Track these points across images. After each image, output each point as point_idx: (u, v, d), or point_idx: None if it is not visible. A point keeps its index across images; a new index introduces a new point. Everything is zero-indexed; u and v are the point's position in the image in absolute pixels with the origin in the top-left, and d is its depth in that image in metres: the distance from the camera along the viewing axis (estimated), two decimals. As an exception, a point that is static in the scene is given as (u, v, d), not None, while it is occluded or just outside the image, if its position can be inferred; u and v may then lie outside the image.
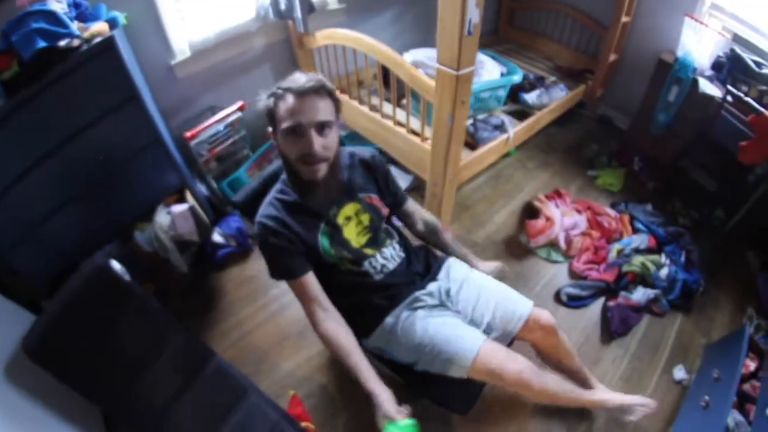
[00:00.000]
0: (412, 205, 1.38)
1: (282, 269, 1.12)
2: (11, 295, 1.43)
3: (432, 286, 1.29)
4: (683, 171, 2.60)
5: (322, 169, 1.04)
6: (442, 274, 1.34)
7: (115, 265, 1.26)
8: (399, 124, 2.00)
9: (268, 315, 1.81)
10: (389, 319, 1.20)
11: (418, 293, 1.25)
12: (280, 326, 1.77)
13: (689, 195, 2.50)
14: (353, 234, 1.20)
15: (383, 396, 1.03)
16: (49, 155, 1.41)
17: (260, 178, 1.29)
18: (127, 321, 1.24)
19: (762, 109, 2.00)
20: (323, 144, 1.01)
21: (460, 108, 1.54)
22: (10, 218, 1.42)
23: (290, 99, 0.98)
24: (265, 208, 1.13)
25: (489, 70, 2.19)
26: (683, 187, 2.55)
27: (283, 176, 1.17)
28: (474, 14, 1.29)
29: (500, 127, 2.23)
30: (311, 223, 1.13)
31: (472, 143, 2.17)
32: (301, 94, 0.98)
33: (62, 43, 1.31)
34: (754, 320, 1.85)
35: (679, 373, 1.69)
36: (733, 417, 1.37)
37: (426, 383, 1.21)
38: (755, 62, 2.14)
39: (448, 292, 1.29)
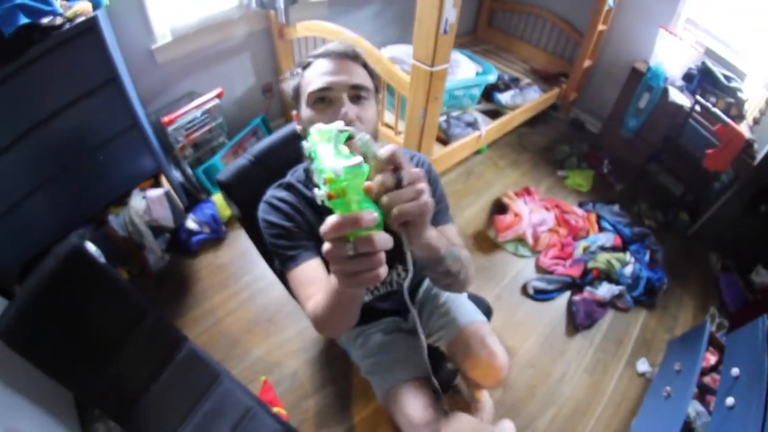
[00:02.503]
0: (451, 232, 1.01)
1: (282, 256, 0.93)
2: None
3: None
4: (651, 175, 2.77)
5: (356, 148, 0.92)
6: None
7: (90, 246, 1.31)
8: (387, 125, 2.11)
9: (240, 302, 1.87)
10: (357, 329, 1.21)
11: (395, 319, 1.22)
12: (251, 313, 1.83)
13: (656, 198, 2.67)
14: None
15: None
16: (23, 136, 1.41)
17: (249, 154, 1.15)
18: (101, 303, 1.27)
19: (728, 120, 2.19)
20: (358, 113, 0.83)
21: (433, 103, 1.65)
22: None
23: (321, 62, 0.86)
24: (276, 190, 0.99)
25: (464, 69, 2.32)
26: (650, 190, 2.73)
27: (303, 166, 1.02)
28: (451, 14, 1.40)
29: (473, 125, 2.36)
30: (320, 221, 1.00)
31: (444, 139, 2.29)
32: (335, 55, 0.85)
33: (45, 20, 1.32)
34: (716, 318, 2.03)
35: (643, 366, 1.82)
36: (694, 407, 1.49)
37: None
38: (725, 76, 2.33)
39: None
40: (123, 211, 1.71)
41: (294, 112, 0.94)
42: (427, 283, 1.28)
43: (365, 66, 0.90)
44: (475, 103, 2.48)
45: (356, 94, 0.84)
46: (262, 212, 0.96)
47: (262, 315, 1.82)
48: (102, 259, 1.27)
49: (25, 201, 1.48)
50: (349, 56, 0.87)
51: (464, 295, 1.26)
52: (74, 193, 1.62)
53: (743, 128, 2.25)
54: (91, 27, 1.43)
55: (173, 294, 1.86)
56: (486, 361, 1.08)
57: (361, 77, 0.86)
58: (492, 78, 2.39)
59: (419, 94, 1.67)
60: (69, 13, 1.40)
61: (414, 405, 1.04)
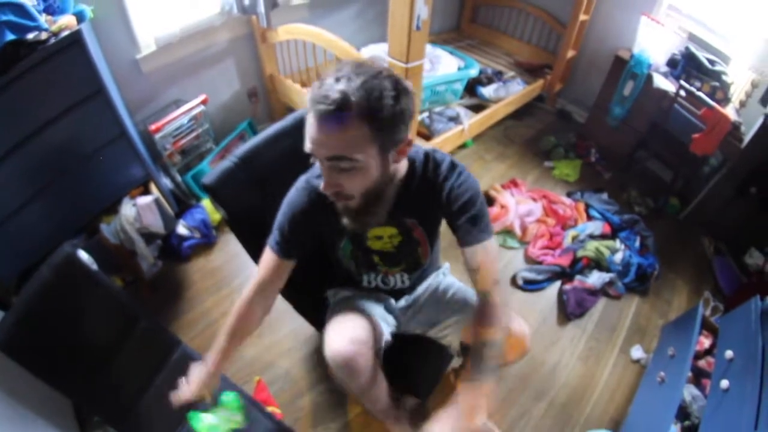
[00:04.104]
0: (482, 256, 0.94)
1: (273, 238, 1.01)
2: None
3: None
4: (639, 162, 2.84)
5: (353, 202, 0.89)
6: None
7: (83, 254, 1.36)
8: None
9: (232, 304, 1.83)
10: (347, 291, 1.26)
11: (387, 297, 1.26)
12: None
13: (645, 184, 2.75)
14: (377, 246, 1.11)
15: (194, 371, 1.06)
16: (13, 150, 1.46)
17: (234, 157, 1.16)
18: (95, 310, 1.32)
19: (713, 104, 2.25)
20: (339, 184, 0.83)
21: (411, 100, 1.74)
22: None
23: (310, 119, 0.78)
24: (297, 195, 1.00)
25: (446, 65, 2.40)
26: (639, 177, 2.80)
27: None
28: (422, 11, 1.47)
29: (455, 119, 2.44)
30: (338, 229, 1.02)
31: (427, 134, 2.37)
32: (318, 116, 0.75)
33: (30, 36, 1.38)
34: (710, 302, 2.08)
35: (637, 352, 1.87)
36: (690, 391, 1.51)
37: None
38: (709, 60, 2.41)
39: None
40: (114, 219, 1.78)
41: None
42: (429, 281, 1.29)
43: (369, 117, 0.75)
44: (458, 97, 2.56)
45: (337, 164, 0.79)
46: (292, 195, 1.01)
47: None
48: (95, 267, 1.33)
49: (18, 214, 1.54)
50: (336, 118, 0.74)
51: (464, 287, 1.27)
52: (66, 204, 1.68)
53: (729, 111, 2.33)
54: (76, 40, 1.49)
55: (167, 299, 1.92)
56: (515, 342, 1.13)
57: (345, 146, 0.77)
58: (474, 72, 2.47)
59: (396, 90, 1.74)
60: (54, 28, 1.46)
61: (352, 325, 1.08)
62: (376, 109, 0.75)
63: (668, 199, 2.66)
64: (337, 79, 0.75)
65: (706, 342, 1.73)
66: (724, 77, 2.39)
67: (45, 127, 1.51)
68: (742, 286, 2.17)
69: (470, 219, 0.94)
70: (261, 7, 2.10)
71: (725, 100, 2.40)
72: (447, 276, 1.34)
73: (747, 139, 2.26)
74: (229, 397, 1.14)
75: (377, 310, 1.20)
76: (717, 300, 2.11)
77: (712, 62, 2.43)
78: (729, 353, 1.41)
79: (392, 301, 1.27)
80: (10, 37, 1.35)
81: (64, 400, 1.49)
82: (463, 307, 1.21)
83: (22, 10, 1.38)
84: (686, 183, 2.67)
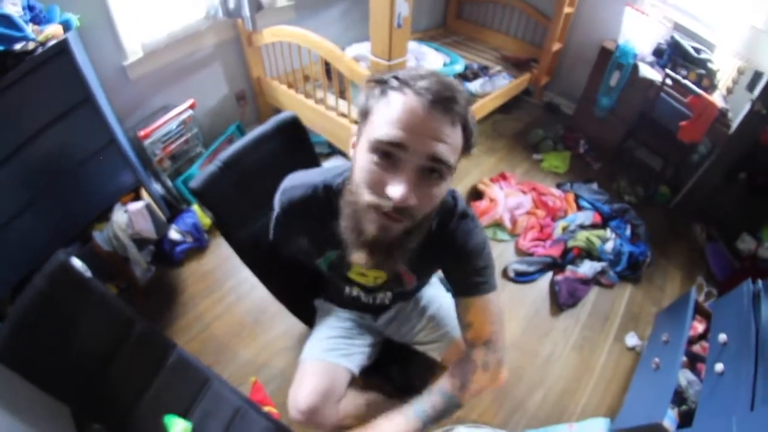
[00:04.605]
0: (474, 310, 0.88)
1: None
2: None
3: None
4: (628, 151, 2.90)
5: (397, 230, 0.71)
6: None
7: (76, 261, 1.39)
8: (342, 114, 2.22)
9: (226, 306, 1.96)
10: (329, 305, 1.30)
11: (365, 315, 1.26)
12: (236, 317, 1.93)
13: (635, 174, 2.81)
14: (359, 279, 1.04)
15: None
16: (4, 160, 1.47)
17: (219, 161, 1.17)
18: (90, 317, 1.34)
19: (700, 91, 2.31)
20: (420, 195, 0.67)
21: (394, 97, 1.77)
22: None
23: (406, 98, 0.63)
24: (292, 191, 0.92)
25: (431, 61, 2.45)
26: (629, 167, 2.86)
27: (343, 177, 0.87)
28: (403, 8, 1.51)
29: None
30: (323, 245, 0.96)
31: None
32: (427, 99, 0.62)
33: (18, 46, 1.38)
34: (704, 288, 2.13)
35: (632, 340, 1.92)
36: (686, 376, 1.56)
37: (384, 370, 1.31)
38: (694, 48, 2.46)
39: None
40: (106, 226, 1.81)
41: (354, 139, 0.75)
42: (413, 298, 1.25)
43: (464, 124, 0.69)
44: None
45: (432, 167, 0.65)
46: (296, 195, 0.92)
47: (248, 317, 1.92)
48: (88, 274, 1.35)
49: (10, 225, 1.55)
50: (448, 108, 0.64)
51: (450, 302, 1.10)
52: (58, 213, 1.70)
53: (716, 98, 2.38)
54: (62, 49, 1.50)
55: (161, 304, 1.96)
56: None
57: (448, 144, 0.65)
58: (459, 68, 2.52)
59: (380, 88, 1.79)
60: (41, 38, 1.46)
61: (310, 383, 1.09)
62: (469, 117, 0.69)
63: (658, 187, 2.71)
64: (432, 78, 0.65)
65: (699, 327, 1.78)
66: (709, 65, 2.44)
67: (35, 136, 1.52)
68: (734, 271, 2.22)
69: (472, 271, 0.85)
70: (246, 11, 2.14)
71: (712, 88, 2.45)
72: (432, 286, 1.28)
73: (734, 125, 2.31)
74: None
75: (349, 348, 1.19)
76: (710, 285, 2.16)
77: (697, 50, 2.48)
78: (722, 337, 1.45)
79: (372, 319, 1.26)
80: None
81: (62, 408, 1.50)
82: (441, 336, 1.17)
83: (9, 21, 1.38)
84: (676, 171, 2.72)
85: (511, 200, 2.42)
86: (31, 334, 1.20)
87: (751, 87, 2.29)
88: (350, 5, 2.87)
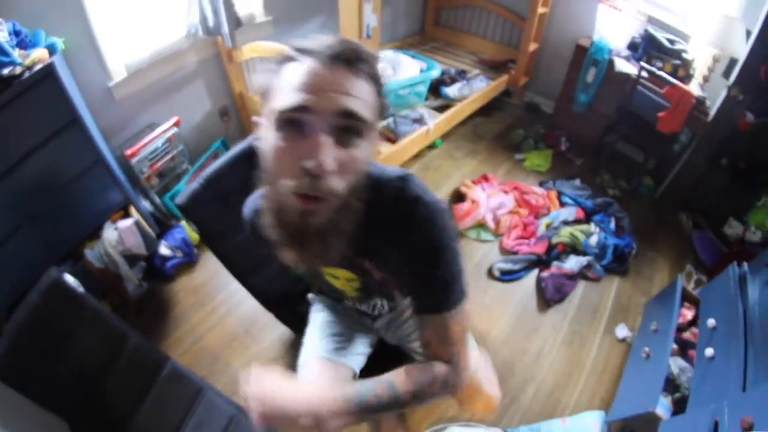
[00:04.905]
0: (432, 331, 0.78)
1: None
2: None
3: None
4: (609, 146, 2.95)
5: (322, 214, 0.63)
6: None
7: (69, 278, 1.44)
8: None
9: (217, 318, 2.00)
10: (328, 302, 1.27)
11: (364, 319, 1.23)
12: (228, 328, 1.96)
13: (618, 167, 2.87)
14: (340, 283, 0.97)
15: None
16: None
17: (201, 179, 1.23)
18: (84, 331, 1.37)
19: (675, 81, 2.36)
20: (340, 159, 0.60)
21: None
22: None
23: (305, 64, 0.59)
24: (254, 201, 0.91)
25: (407, 68, 2.50)
26: (611, 161, 2.92)
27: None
28: (371, 19, 1.59)
29: (419, 121, 2.56)
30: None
31: (393, 138, 2.48)
32: (326, 59, 0.58)
33: (5, 71, 1.43)
34: (693, 275, 2.17)
35: (622, 331, 1.95)
36: (677, 363, 1.56)
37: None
38: (669, 40, 2.54)
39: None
40: (97, 244, 1.86)
41: (255, 119, 0.70)
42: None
43: (374, 78, 0.63)
44: (423, 99, 2.67)
45: (346, 125, 0.59)
46: (247, 210, 0.93)
47: (239, 328, 1.96)
48: (81, 290, 1.39)
49: (2, 245, 1.59)
50: (350, 63, 0.60)
51: None
52: (49, 233, 1.73)
53: (693, 87, 2.45)
54: (49, 73, 1.54)
55: (154, 319, 1.99)
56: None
57: (360, 101, 0.60)
58: (435, 73, 2.58)
59: (353, 97, 1.85)
60: (27, 62, 1.51)
61: (312, 379, 1.08)
62: (379, 72, 0.64)
63: (641, 179, 2.76)
64: (333, 39, 0.61)
65: (688, 314, 1.80)
66: (684, 55, 2.51)
67: (24, 158, 1.56)
68: (723, 256, 2.25)
69: (430, 283, 0.74)
70: (225, 28, 2.20)
71: (688, 77, 2.52)
72: None
73: (712, 112, 2.37)
74: None
75: (349, 347, 1.19)
76: (700, 273, 2.19)
77: (672, 41, 2.55)
78: (711, 322, 1.47)
79: (369, 321, 1.21)
80: None
81: (59, 423, 1.48)
82: None
83: None
84: (659, 162, 2.77)
85: (493, 200, 2.47)
86: (27, 350, 1.23)
87: (726, 74, 2.35)
88: (327, 17, 2.92)
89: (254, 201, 0.89)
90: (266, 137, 0.62)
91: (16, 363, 1.21)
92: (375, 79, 0.63)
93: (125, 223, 1.92)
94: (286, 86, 0.59)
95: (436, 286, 0.74)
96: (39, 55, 1.55)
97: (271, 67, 0.63)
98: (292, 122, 0.58)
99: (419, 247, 0.72)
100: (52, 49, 1.64)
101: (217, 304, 2.07)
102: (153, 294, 2.10)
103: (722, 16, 2.31)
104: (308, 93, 0.57)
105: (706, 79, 2.56)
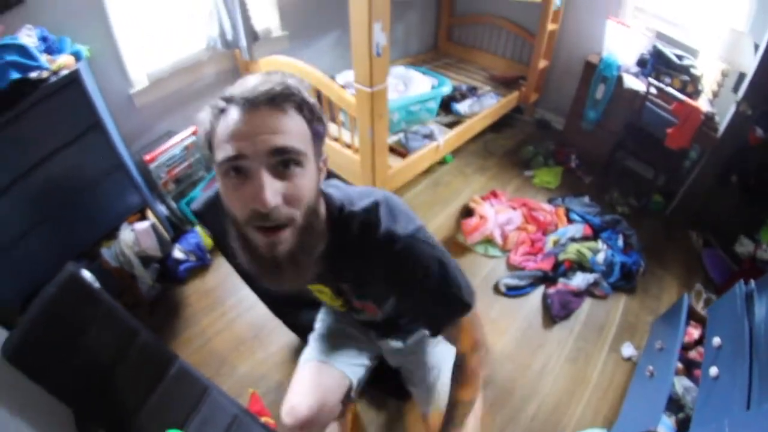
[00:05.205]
0: (455, 331, 0.90)
1: None
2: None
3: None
4: (619, 162, 2.96)
5: (286, 241, 0.68)
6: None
7: (86, 273, 1.51)
8: (334, 139, 2.36)
9: (226, 323, 2.05)
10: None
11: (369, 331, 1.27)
12: (236, 332, 2.01)
13: (628, 184, 2.86)
14: (326, 299, 1.07)
15: None
16: (17, 181, 1.58)
17: (216, 188, 1.31)
18: (97, 325, 1.43)
19: (683, 97, 2.36)
20: (284, 192, 0.64)
21: (378, 121, 1.90)
22: None
23: (232, 112, 0.64)
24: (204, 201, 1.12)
25: (418, 85, 2.58)
26: (621, 178, 2.92)
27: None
28: (381, 38, 1.64)
29: (430, 136, 2.61)
30: None
31: (404, 152, 2.53)
32: (250, 104, 0.63)
33: (33, 75, 1.51)
34: (703, 295, 2.12)
35: (627, 350, 1.92)
36: (682, 383, 1.54)
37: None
38: (677, 55, 2.53)
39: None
40: (113, 244, 1.93)
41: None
42: (420, 337, 1.25)
43: (301, 108, 0.67)
44: (434, 115, 2.73)
45: (280, 161, 0.64)
46: None
47: (248, 333, 2.00)
48: (96, 284, 1.45)
49: (22, 240, 1.66)
50: (273, 103, 0.64)
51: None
52: (68, 231, 1.80)
53: (702, 103, 2.43)
54: (74, 79, 1.62)
55: (165, 319, 2.05)
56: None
57: (287, 134, 0.64)
58: (446, 90, 2.65)
59: (364, 113, 1.92)
60: (54, 67, 1.59)
61: (307, 382, 1.15)
62: (308, 101, 0.69)
63: (651, 196, 2.75)
64: (257, 77, 0.67)
65: (695, 333, 1.76)
66: (693, 70, 2.49)
67: (47, 159, 1.64)
68: (733, 275, 2.19)
69: (433, 304, 0.85)
70: (243, 41, 2.29)
71: (696, 93, 2.50)
72: (438, 346, 1.25)
73: (722, 127, 2.34)
74: None
75: (349, 355, 1.24)
76: (709, 291, 2.15)
77: (680, 57, 2.54)
78: (716, 340, 1.44)
79: (375, 336, 1.27)
80: (15, 75, 1.48)
81: (65, 415, 1.58)
82: (429, 401, 1.16)
83: (25, 51, 1.52)
84: (669, 179, 2.75)
85: (501, 216, 2.49)
86: (41, 339, 1.29)
87: (735, 89, 2.32)
88: (341, 33, 2.98)
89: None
90: (219, 185, 0.68)
91: (29, 350, 1.27)
92: (302, 108, 0.67)
93: (142, 226, 1.99)
94: (221, 138, 0.64)
95: (438, 299, 0.82)
96: (65, 61, 1.64)
97: (208, 119, 0.68)
98: (234, 168, 0.63)
99: (407, 278, 0.80)
100: (77, 56, 1.71)
101: (227, 308, 2.12)
102: (165, 295, 2.16)
103: (730, 30, 2.30)
104: (239, 141, 0.62)
105: (715, 95, 2.54)
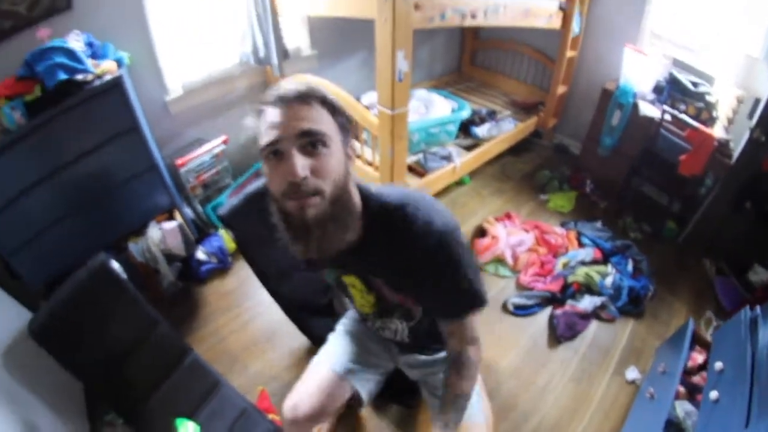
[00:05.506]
0: (455, 327, 0.97)
1: None
2: (12, 294, 1.69)
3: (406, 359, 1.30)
4: (634, 188, 2.96)
5: (315, 206, 0.79)
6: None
7: (115, 264, 1.61)
8: (356, 156, 2.45)
9: (242, 323, 2.12)
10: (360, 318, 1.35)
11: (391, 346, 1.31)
12: (250, 333, 2.08)
13: (642, 210, 2.87)
14: (358, 296, 1.10)
15: None
16: (57, 171, 1.72)
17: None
18: (120, 312, 1.55)
19: (696, 124, 2.37)
20: (312, 166, 0.77)
21: (398, 142, 2.00)
22: (18, 223, 1.70)
23: (269, 111, 0.79)
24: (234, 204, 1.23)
25: (439, 108, 2.68)
26: (636, 204, 2.92)
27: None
28: (403, 65, 1.76)
29: (448, 158, 2.69)
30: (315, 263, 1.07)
31: (422, 172, 2.61)
32: (281, 102, 0.78)
33: (79, 77, 1.65)
34: (713, 322, 2.10)
35: (632, 373, 1.92)
36: (684, 407, 1.52)
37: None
38: (692, 82, 2.55)
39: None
40: (141, 240, 2.06)
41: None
42: (434, 359, 1.28)
43: (324, 103, 0.81)
44: (453, 138, 2.81)
45: (308, 142, 0.77)
46: None
47: (261, 335, 2.07)
48: (124, 275, 1.56)
49: (55, 227, 1.79)
50: (300, 99, 0.78)
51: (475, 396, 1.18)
52: (98, 223, 1.93)
53: (716, 130, 2.43)
54: (117, 84, 1.77)
55: (183, 316, 2.14)
56: None
57: (313, 121, 0.78)
58: (465, 114, 2.74)
59: (385, 134, 2.03)
60: (98, 71, 1.74)
61: (315, 385, 1.20)
62: (330, 98, 0.83)
63: (665, 223, 2.74)
64: (289, 83, 0.82)
65: (699, 358, 1.74)
66: (708, 97, 2.50)
67: (86, 155, 1.77)
68: (744, 303, 2.05)
69: (447, 294, 0.93)
70: (274, 59, 2.44)
71: (711, 120, 2.49)
72: None
73: (735, 154, 2.34)
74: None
75: (363, 368, 1.28)
76: (720, 319, 2.11)
77: (695, 84, 2.55)
78: (718, 365, 1.45)
79: (397, 352, 1.31)
80: (63, 76, 1.62)
81: (77, 399, 1.69)
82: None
83: (73, 55, 1.67)
84: (684, 205, 2.73)
85: (513, 238, 2.52)
86: (67, 319, 1.40)
87: (750, 115, 2.30)
88: (368, 54, 3.10)
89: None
90: (263, 168, 0.82)
91: (55, 329, 1.37)
92: (325, 103, 0.82)
93: (170, 225, 2.12)
94: (263, 130, 0.79)
95: (457, 296, 0.92)
96: (108, 66, 1.78)
97: (254, 121, 0.83)
98: (273, 152, 0.78)
99: (435, 271, 0.89)
100: (119, 62, 1.85)
101: (243, 310, 2.20)
102: (185, 293, 2.26)
103: (745, 56, 2.32)
104: (274, 129, 0.77)
105: (730, 121, 2.52)
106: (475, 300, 0.93)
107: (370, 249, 0.91)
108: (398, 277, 0.96)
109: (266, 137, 0.78)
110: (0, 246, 1.70)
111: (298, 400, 1.19)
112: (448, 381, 0.98)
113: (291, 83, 0.81)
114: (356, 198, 0.88)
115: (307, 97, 0.79)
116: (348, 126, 0.86)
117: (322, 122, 0.80)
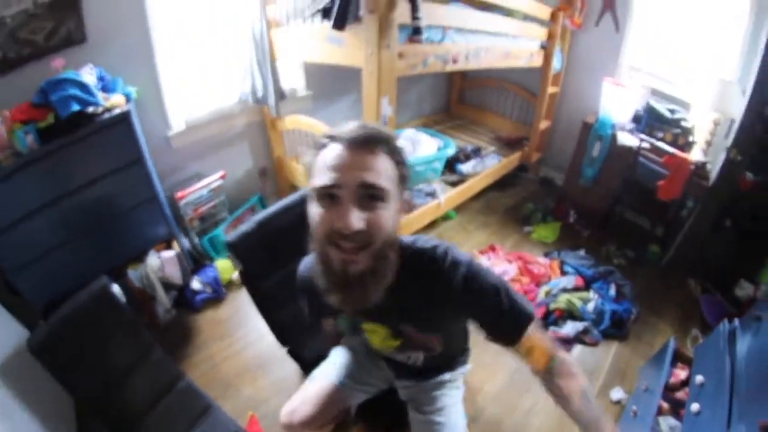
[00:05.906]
0: (527, 343, 0.92)
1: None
2: (9, 310, 1.72)
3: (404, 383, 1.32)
4: (617, 216, 3.06)
5: (360, 262, 0.78)
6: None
7: (115, 288, 1.71)
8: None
9: (234, 351, 2.16)
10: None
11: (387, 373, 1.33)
12: (242, 360, 2.12)
13: (626, 236, 2.96)
14: (377, 340, 1.10)
15: None
16: (64, 196, 1.79)
17: (253, 222, 1.43)
18: (118, 335, 1.61)
19: (673, 150, 2.48)
20: (367, 219, 0.75)
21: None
22: (23, 243, 1.74)
23: (333, 148, 0.77)
24: (306, 261, 1.07)
25: (425, 146, 2.81)
26: (619, 231, 3.02)
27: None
28: (387, 110, 1.92)
29: (432, 194, 2.81)
30: (329, 311, 1.05)
31: (407, 209, 2.73)
32: (348, 144, 0.76)
33: (90, 109, 1.75)
34: (700, 340, 2.13)
35: (617, 394, 1.95)
36: (668, 423, 1.55)
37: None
38: (669, 110, 2.69)
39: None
40: (140, 267, 2.14)
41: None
42: (441, 378, 1.29)
43: (391, 153, 0.79)
44: (439, 175, 2.91)
45: (367, 194, 0.75)
46: (300, 272, 1.09)
47: (253, 362, 2.11)
48: (123, 299, 1.65)
49: (58, 251, 1.85)
50: (368, 145, 0.76)
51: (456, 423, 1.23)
52: (98, 249, 1.99)
53: (695, 154, 2.55)
54: (125, 118, 1.86)
55: (177, 343, 2.18)
56: None
57: (377, 174, 0.75)
58: (450, 151, 2.86)
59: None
60: (108, 104, 1.83)
61: (315, 395, 1.24)
62: (397, 148, 0.81)
63: (648, 247, 2.82)
64: (355, 123, 0.79)
65: (682, 374, 1.77)
66: (684, 123, 2.63)
67: (91, 183, 1.86)
68: (730, 318, 2.14)
69: (496, 315, 0.89)
70: (271, 99, 2.58)
71: (688, 145, 2.62)
72: (457, 391, 1.32)
73: (713, 175, 2.43)
74: None
75: (362, 383, 1.32)
76: (706, 336, 2.02)
77: (672, 111, 2.69)
78: (699, 378, 1.49)
79: (393, 375, 1.33)
80: (75, 107, 1.70)
81: (68, 417, 1.72)
82: None
83: (86, 88, 1.77)
84: (666, 229, 2.80)
85: (496, 269, 2.58)
86: (66, 337, 1.45)
87: (727, 134, 2.42)
88: (358, 96, 3.08)
89: (299, 270, 1.09)
90: (311, 207, 0.79)
91: (54, 346, 1.41)
92: (392, 154, 0.80)
93: (168, 254, 2.21)
94: (320, 167, 0.76)
95: (505, 317, 0.89)
96: (117, 100, 1.88)
97: (312, 152, 0.82)
98: (327, 195, 0.75)
99: (479, 296, 0.88)
100: (127, 97, 1.95)
101: (236, 339, 2.24)
102: (180, 321, 2.31)
103: (719, 80, 2.41)
104: (336, 172, 0.74)
105: (708, 144, 2.60)
106: (522, 314, 0.90)
107: (401, 295, 0.89)
108: (431, 318, 0.97)
109: (324, 177, 0.75)
110: (4, 263, 1.75)
111: (295, 407, 1.24)
112: (563, 394, 0.94)
113: (361, 124, 0.79)
114: (396, 250, 0.88)
115: (375, 144, 0.77)
116: (407, 177, 0.84)
117: (385, 174, 0.77)
